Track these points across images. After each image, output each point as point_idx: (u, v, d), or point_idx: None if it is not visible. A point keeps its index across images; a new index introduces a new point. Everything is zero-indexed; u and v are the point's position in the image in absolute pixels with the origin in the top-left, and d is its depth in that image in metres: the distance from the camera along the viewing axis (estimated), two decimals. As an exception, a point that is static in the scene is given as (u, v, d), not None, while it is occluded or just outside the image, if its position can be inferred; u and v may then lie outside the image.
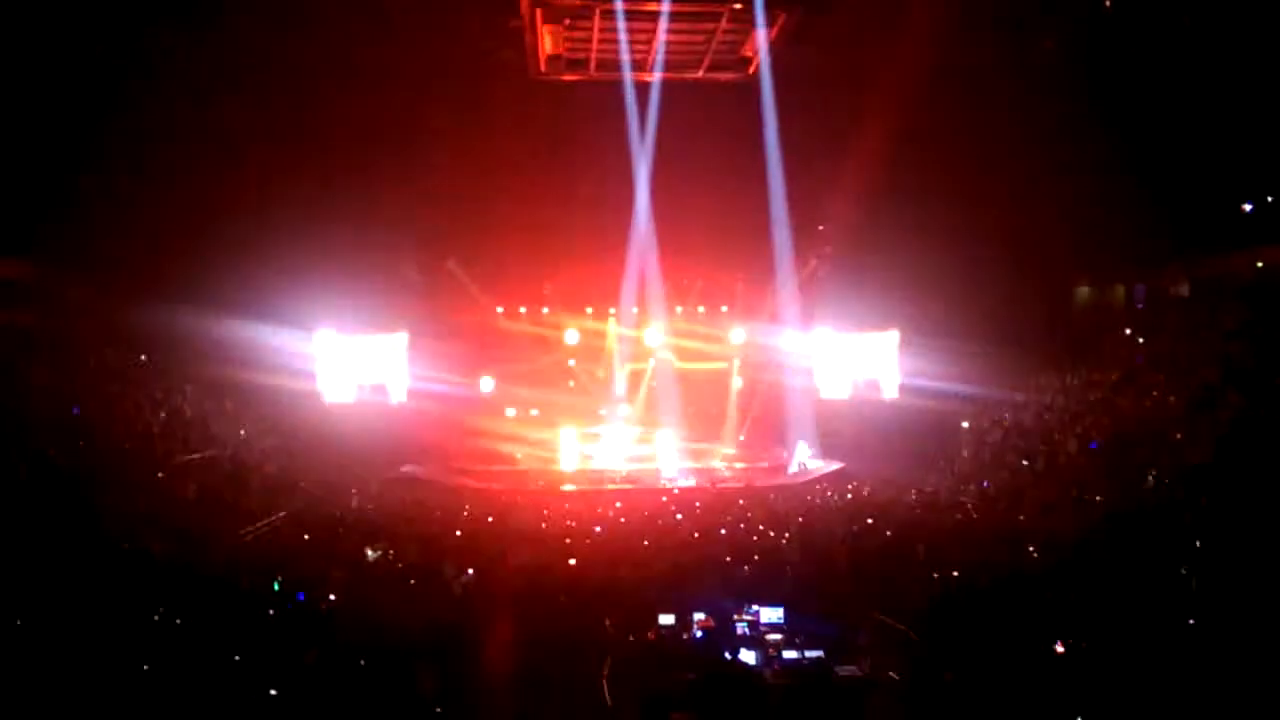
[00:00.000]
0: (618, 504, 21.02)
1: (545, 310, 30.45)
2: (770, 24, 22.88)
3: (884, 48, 21.82)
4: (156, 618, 10.71)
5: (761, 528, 17.56)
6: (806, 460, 26.50)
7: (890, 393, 27.68)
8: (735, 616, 11.84)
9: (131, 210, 21.57)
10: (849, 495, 22.24)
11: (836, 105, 24.14)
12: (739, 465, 28.02)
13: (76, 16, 18.46)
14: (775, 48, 23.89)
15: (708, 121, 25.57)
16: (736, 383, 30.64)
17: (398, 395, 27.40)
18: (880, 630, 12.06)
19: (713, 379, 30.80)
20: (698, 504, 20.84)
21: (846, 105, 23.85)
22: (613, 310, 29.89)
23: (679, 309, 30.55)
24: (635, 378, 30.36)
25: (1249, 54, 18.50)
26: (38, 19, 17.96)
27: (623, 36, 23.17)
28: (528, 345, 30.43)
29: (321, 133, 23.31)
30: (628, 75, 25.07)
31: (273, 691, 9.05)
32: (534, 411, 30.00)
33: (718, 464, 28.21)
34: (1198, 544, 12.93)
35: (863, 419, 27.51)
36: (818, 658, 10.85)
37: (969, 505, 19.86)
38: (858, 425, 27.36)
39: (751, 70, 24.93)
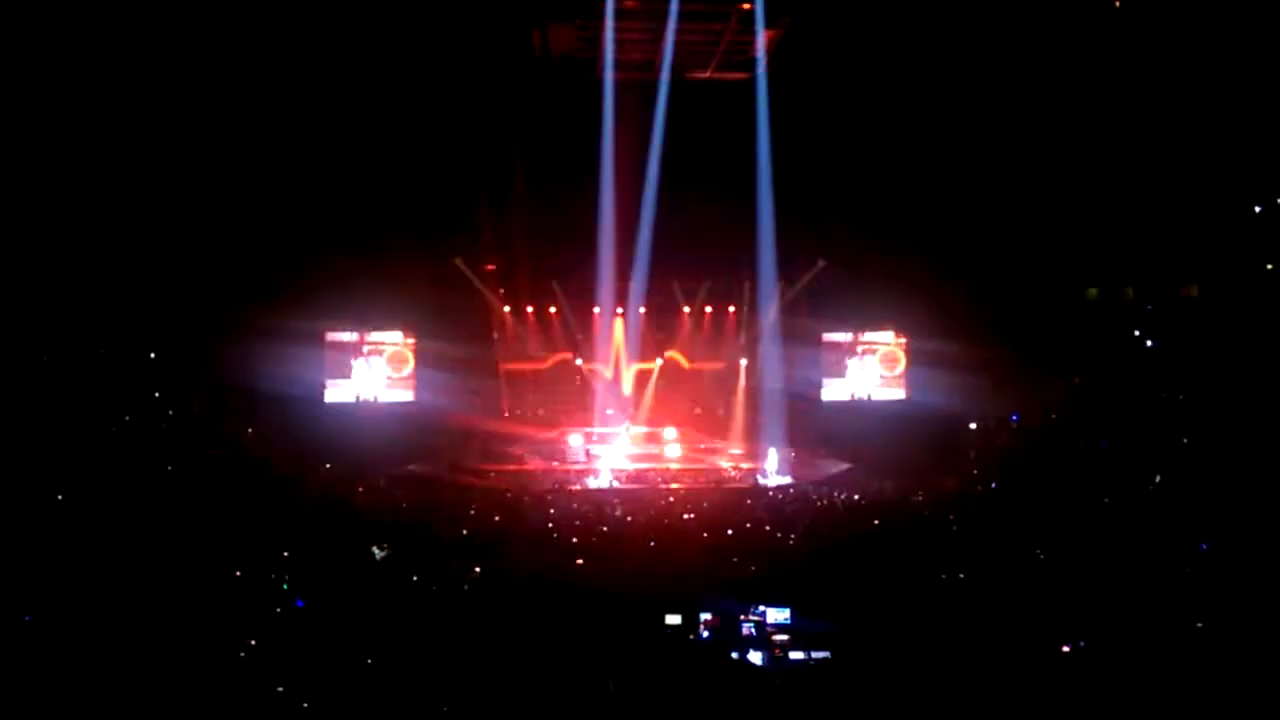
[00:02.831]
0: (623, 514, 20.80)
1: (552, 309, 30.43)
2: (777, 24, 22.86)
3: (888, 49, 21.81)
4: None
5: (768, 529, 17.50)
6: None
7: (896, 394, 27.58)
8: (742, 617, 11.83)
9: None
10: (856, 497, 22.15)
11: (843, 105, 24.09)
12: (745, 465, 27.94)
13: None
14: (783, 48, 23.86)
15: (716, 121, 25.55)
16: (744, 382, 30.59)
17: (403, 394, 27.35)
18: (886, 631, 12.03)
19: (720, 379, 30.76)
20: (706, 504, 20.77)
21: (853, 105, 23.80)
22: (620, 309, 29.85)
23: (686, 309, 30.55)
24: (642, 377, 30.35)
25: (1251, 55, 18.45)
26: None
27: (623, 36, 23.19)
28: (534, 344, 30.39)
29: (325, 131, 23.30)
30: (626, 75, 25.05)
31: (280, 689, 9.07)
32: (540, 411, 29.98)
33: (724, 463, 28.14)
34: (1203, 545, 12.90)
35: (869, 420, 27.43)
36: (824, 659, 10.84)
37: (975, 507, 19.78)
38: (864, 427, 27.27)
39: (760, 70, 24.91)
